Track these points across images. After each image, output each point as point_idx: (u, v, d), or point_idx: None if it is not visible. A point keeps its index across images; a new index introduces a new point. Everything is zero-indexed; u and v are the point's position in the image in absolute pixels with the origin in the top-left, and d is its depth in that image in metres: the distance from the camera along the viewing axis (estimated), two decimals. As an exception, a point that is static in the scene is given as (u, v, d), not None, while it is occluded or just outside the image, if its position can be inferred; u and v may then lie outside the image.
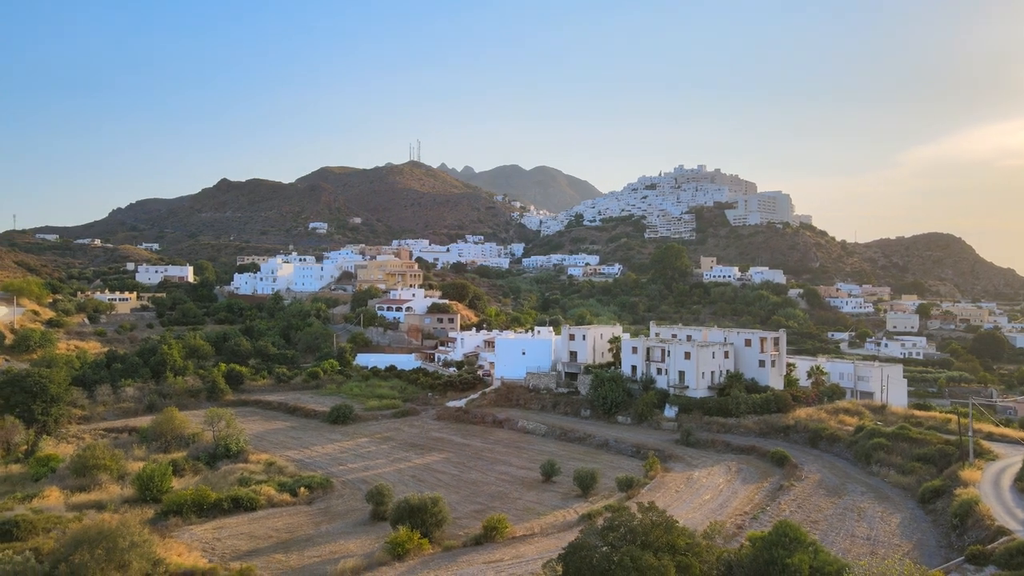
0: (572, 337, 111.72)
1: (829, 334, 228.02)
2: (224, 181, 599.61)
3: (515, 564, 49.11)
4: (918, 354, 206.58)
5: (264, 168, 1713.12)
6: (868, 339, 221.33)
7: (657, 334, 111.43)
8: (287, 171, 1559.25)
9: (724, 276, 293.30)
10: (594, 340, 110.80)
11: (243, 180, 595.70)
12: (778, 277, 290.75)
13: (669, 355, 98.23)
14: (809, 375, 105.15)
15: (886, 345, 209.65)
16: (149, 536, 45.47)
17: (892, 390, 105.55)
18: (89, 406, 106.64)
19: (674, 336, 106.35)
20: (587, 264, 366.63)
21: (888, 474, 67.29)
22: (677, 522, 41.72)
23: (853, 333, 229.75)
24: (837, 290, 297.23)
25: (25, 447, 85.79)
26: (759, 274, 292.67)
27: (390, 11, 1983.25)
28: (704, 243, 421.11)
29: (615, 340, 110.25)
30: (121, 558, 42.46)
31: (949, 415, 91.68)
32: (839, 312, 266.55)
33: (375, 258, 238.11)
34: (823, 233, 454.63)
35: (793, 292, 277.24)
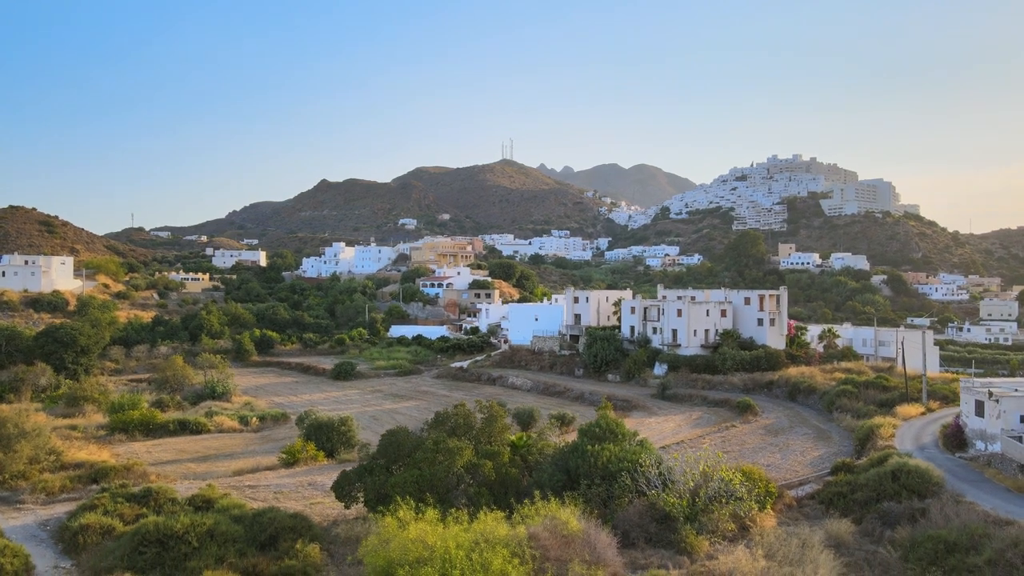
0: (576, 300, 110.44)
1: (909, 319, 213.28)
2: (323, 182, 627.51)
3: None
4: (1006, 339, 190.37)
5: (363, 169, 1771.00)
6: (950, 324, 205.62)
7: (663, 296, 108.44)
8: (384, 171, 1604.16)
9: (802, 263, 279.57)
10: (598, 303, 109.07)
11: (340, 180, 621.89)
12: (861, 263, 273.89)
13: (663, 314, 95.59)
14: (821, 338, 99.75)
15: (968, 330, 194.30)
16: (42, 428, 49.38)
17: (917, 356, 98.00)
18: (123, 361, 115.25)
19: (679, 297, 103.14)
20: (666, 255, 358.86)
21: (844, 419, 63.09)
22: (504, 419, 41.39)
23: (935, 319, 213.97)
24: (927, 276, 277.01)
25: (49, 390, 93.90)
26: (840, 260, 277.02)
27: (492, 15, 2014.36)
28: (795, 234, 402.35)
29: (619, 303, 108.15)
30: (8, 443, 46.47)
31: (961, 374, 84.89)
32: (926, 299, 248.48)
33: (432, 240, 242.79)
34: (931, 223, 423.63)
35: (876, 279, 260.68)
